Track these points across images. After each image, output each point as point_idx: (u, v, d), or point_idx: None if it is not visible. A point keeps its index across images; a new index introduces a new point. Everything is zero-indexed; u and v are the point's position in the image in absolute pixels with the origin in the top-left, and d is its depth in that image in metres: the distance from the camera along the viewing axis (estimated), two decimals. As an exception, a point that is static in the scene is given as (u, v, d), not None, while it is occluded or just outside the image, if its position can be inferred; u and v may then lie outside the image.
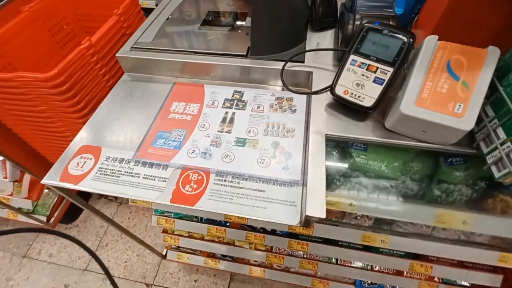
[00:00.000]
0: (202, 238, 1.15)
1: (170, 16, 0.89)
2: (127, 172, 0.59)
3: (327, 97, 0.64)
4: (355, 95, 0.54)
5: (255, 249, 1.11)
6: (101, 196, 1.61)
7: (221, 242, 1.13)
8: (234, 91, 0.74)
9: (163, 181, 0.58)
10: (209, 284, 1.33)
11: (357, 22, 0.61)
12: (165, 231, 1.18)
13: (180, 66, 0.76)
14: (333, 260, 1.05)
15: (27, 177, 1.27)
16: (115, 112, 0.72)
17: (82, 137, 0.67)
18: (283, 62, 0.71)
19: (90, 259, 1.42)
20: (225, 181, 0.57)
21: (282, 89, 0.75)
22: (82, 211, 1.59)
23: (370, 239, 0.76)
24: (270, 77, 0.73)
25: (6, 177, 1.16)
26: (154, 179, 0.58)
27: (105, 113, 0.72)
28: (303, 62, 0.71)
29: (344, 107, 0.59)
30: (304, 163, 0.58)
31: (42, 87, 0.78)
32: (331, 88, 0.58)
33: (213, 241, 1.14)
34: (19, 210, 1.28)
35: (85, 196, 1.61)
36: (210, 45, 0.78)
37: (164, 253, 1.26)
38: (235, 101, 0.72)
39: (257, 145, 0.62)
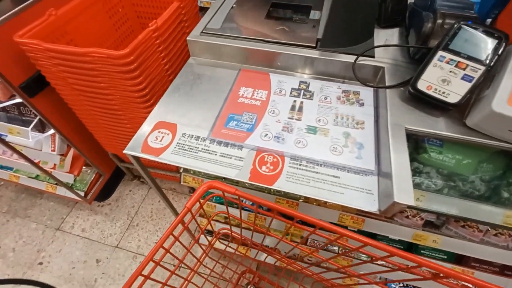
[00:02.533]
0: (238, 225, 1.17)
1: (234, 5, 0.92)
2: (204, 149, 0.62)
3: (397, 92, 0.65)
4: (440, 91, 0.55)
5: (291, 240, 1.13)
6: (134, 177, 1.65)
7: (257, 230, 1.15)
8: (300, 81, 0.76)
9: (239, 160, 0.60)
10: (237, 271, 1.34)
11: (439, 21, 0.62)
12: (201, 215, 1.21)
13: (248, 53, 0.78)
14: (366, 258, 1.06)
15: (70, 153, 1.32)
16: (185, 92, 0.74)
17: (157, 113, 0.70)
18: (352, 56, 0.73)
19: (121, 236, 1.46)
20: (300, 165, 0.59)
21: (343, 82, 0.76)
22: (115, 190, 1.64)
23: (421, 238, 0.77)
24: (338, 69, 0.75)
25: (54, 150, 1.20)
26: (231, 158, 0.60)
27: (177, 92, 0.75)
28: (373, 57, 0.72)
29: (421, 102, 0.60)
30: (377, 154, 0.59)
31: (113, 64, 0.81)
32: (412, 83, 0.59)
33: (248, 229, 1.16)
34: (60, 182, 1.32)
35: (118, 176, 1.65)
36: (277, 35, 0.80)
37: (196, 237, 1.29)
38: (302, 90, 0.74)
39: (328, 134, 0.64)
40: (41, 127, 1.14)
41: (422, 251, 0.94)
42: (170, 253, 0.53)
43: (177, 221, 0.50)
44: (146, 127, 0.66)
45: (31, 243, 1.46)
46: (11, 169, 1.49)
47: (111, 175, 1.57)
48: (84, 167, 1.46)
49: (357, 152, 0.60)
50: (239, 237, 0.86)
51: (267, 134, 0.64)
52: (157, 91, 0.98)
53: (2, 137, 1.16)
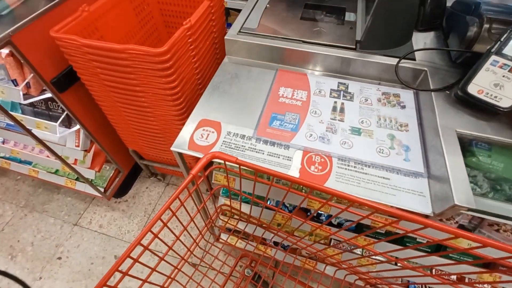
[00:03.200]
0: (260, 225, 1.17)
1: (268, 5, 0.92)
2: (251, 148, 0.62)
3: (442, 95, 0.65)
4: (491, 95, 0.55)
5: (314, 241, 1.13)
6: (151, 174, 1.65)
7: (279, 230, 1.15)
8: (339, 82, 0.76)
9: (287, 160, 0.60)
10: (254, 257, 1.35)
11: (486, 25, 0.62)
12: (223, 213, 1.21)
13: (286, 53, 0.78)
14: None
15: (92, 149, 1.32)
16: (225, 90, 0.74)
17: (200, 111, 0.70)
18: (391, 58, 0.73)
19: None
20: (348, 165, 0.59)
21: (379, 84, 0.76)
22: (131, 187, 1.64)
23: (456, 241, 0.77)
24: (375, 71, 0.75)
25: (78, 146, 1.20)
26: (279, 157, 0.60)
27: (217, 90, 0.75)
28: (414, 60, 0.72)
29: (469, 106, 0.60)
30: (425, 157, 0.60)
31: (149, 61, 0.81)
32: (461, 87, 0.59)
33: (269, 228, 1.17)
34: (82, 177, 1.32)
35: (136, 173, 1.66)
36: (315, 36, 0.80)
37: (218, 235, 1.29)
38: (342, 92, 0.74)
39: (373, 136, 0.64)
40: (67, 123, 1.14)
41: (450, 255, 0.94)
42: (168, 228, 0.56)
43: (182, 187, 0.52)
44: (190, 125, 0.67)
45: (49, 237, 1.46)
46: (30, 163, 1.49)
47: (129, 172, 1.58)
48: (106, 163, 1.47)
49: (404, 154, 0.61)
50: (240, 215, 0.88)
51: (312, 135, 0.64)
52: (186, 90, 0.98)
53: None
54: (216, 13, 1.04)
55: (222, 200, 1.14)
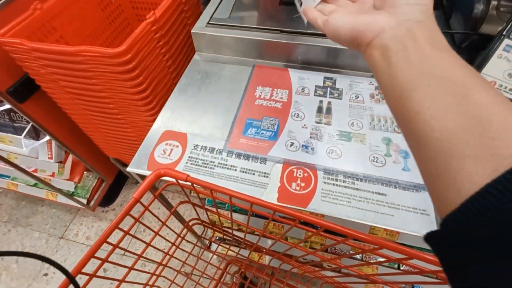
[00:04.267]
0: (252, 233, 1.09)
1: (242, -10, 0.80)
2: (221, 164, 0.52)
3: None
4: (505, 87, 0.45)
5: (310, 247, 1.05)
6: (138, 181, 1.57)
7: (272, 237, 1.08)
8: (325, 77, 0.66)
9: (264, 176, 0.51)
10: (249, 276, 1.28)
11: (494, 2, 0.51)
12: (212, 223, 1.13)
13: (262, 46, 0.68)
14: (395, 265, 0.98)
15: (69, 159, 1.23)
16: (194, 94, 0.64)
17: (163, 121, 0.60)
18: (386, 46, 0.62)
19: (128, 243, 1.39)
20: (336, 180, 0.50)
21: (372, 76, 0.65)
22: (119, 194, 1.56)
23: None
24: (368, 62, 0.64)
25: (51, 157, 1.12)
26: (254, 174, 0.51)
27: (184, 94, 0.65)
28: (412, 46, 0.61)
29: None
30: (427, 165, 0.50)
31: (108, 63, 0.71)
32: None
33: (264, 235, 1.09)
34: (59, 191, 1.24)
35: (122, 180, 1.57)
36: (295, 24, 0.69)
37: (208, 244, 1.22)
38: (328, 88, 0.64)
39: (365, 141, 0.54)
40: (35, 134, 1.05)
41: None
42: (120, 248, 0.48)
43: (123, 213, 0.45)
44: (151, 138, 0.57)
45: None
46: (8, 177, 1.41)
47: (114, 179, 1.49)
48: (85, 172, 1.38)
49: (402, 162, 0.51)
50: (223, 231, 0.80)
51: (293, 143, 0.55)
52: (159, 91, 0.88)
53: (-6, 145, 1.07)
54: (189, 3, 0.93)
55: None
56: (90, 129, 1.07)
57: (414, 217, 0.45)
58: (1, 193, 1.61)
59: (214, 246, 1.22)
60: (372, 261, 0.94)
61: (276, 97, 0.62)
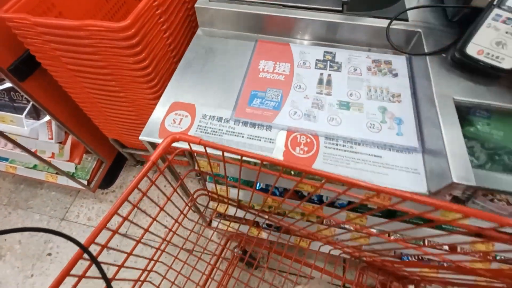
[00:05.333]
0: (252, 208, 1.14)
1: (243, -34, 0.81)
2: (229, 132, 0.56)
3: (437, 59, 0.59)
4: (493, 55, 0.49)
5: (307, 220, 1.11)
6: (136, 162, 1.59)
7: (271, 212, 1.13)
8: (325, 51, 0.69)
9: (270, 142, 0.54)
10: (249, 250, 1.34)
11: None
12: (213, 199, 1.17)
13: (264, 21, 0.70)
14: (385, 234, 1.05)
15: (69, 140, 1.24)
16: (199, 68, 0.67)
17: (171, 93, 0.63)
18: (382, 20, 0.65)
19: (129, 224, 1.42)
20: (336, 144, 0.54)
21: (369, 50, 0.69)
22: (118, 176, 1.58)
23: (449, 214, 0.75)
24: (365, 36, 0.68)
25: (51, 138, 1.12)
26: (260, 140, 0.55)
27: (189, 68, 0.67)
28: (407, 20, 0.65)
29: (467, 69, 0.54)
30: (419, 130, 0.54)
31: (112, 38, 0.72)
32: (459, 48, 0.52)
33: (262, 211, 1.14)
34: (61, 172, 1.25)
35: (121, 162, 1.59)
36: (297, -1, 0.71)
37: (208, 221, 1.26)
38: (328, 62, 0.67)
39: (363, 109, 0.58)
40: (35, 114, 1.05)
41: (443, 227, 0.93)
42: (128, 220, 0.51)
43: (141, 174, 0.47)
44: (160, 109, 0.59)
45: (36, 234, 1.42)
46: (6, 159, 1.41)
47: (113, 161, 1.51)
48: (84, 154, 1.39)
49: (396, 128, 0.55)
50: (228, 201, 0.84)
51: (296, 112, 0.58)
52: (160, 69, 0.89)
53: (-7, 126, 1.07)
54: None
55: (211, 186, 1.09)
56: (91, 108, 1.08)
57: (406, 176, 0.49)
58: (-1, 177, 1.61)
59: (214, 224, 1.27)
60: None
61: (278, 70, 0.65)
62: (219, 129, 0.56)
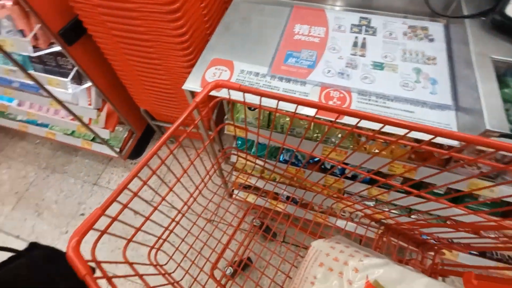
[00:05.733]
0: (273, 180, 1.18)
1: None
2: (266, 85, 0.59)
3: (476, 22, 0.59)
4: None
5: (327, 195, 1.13)
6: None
7: (293, 185, 1.16)
8: (360, 17, 0.70)
9: (304, 95, 0.57)
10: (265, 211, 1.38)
11: None
12: (237, 170, 1.22)
13: (301, -13, 0.72)
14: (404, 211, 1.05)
15: (105, 108, 1.32)
16: (237, 30, 0.70)
17: (211, 50, 0.67)
18: (421, -13, 0.65)
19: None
20: (369, 100, 0.56)
21: (405, 17, 0.69)
22: (145, 148, 1.67)
23: (478, 187, 0.74)
24: (404, 2, 0.68)
25: (90, 104, 1.21)
26: (295, 93, 0.57)
27: (228, 29, 0.71)
28: (445, -14, 0.65)
29: (507, 31, 0.54)
30: (454, 89, 0.55)
31: (155, 2, 0.77)
32: (499, 9, 0.52)
33: (283, 183, 1.17)
34: (97, 136, 1.35)
35: (149, 135, 1.68)
36: (334, -34, 0.72)
37: (231, 191, 1.31)
38: (363, 27, 0.68)
39: (397, 70, 0.60)
40: (78, 80, 1.13)
41: (468, 205, 0.92)
42: (166, 165, 0.55)
43: (187, 113, 0.49)
44: (201, 63, 0.64)
45: (71, 196, 1.54)
46: (47, 126, 1.52)
47: (142, 133, 1.59)
48: (117, 126, 1.48)
49: (431, 87, 0.56)
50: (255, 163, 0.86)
51: (330, 71, 0.60)
52: (195, 38, 0.93)
53: (39, 91, 1.17)
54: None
55: (234, 158, 1.13)
56: (128, 76, 1.15)
57: (439, 129, 0.51)
58: (39, 144, 1.74)
59: (236, 192, 1.31)
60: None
61: (313, 33, 0.68)
62: (256, 83, 0.59)
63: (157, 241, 0.71)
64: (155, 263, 0.67)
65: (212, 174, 0.84)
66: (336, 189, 1.13)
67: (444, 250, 0.74)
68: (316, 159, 1.03)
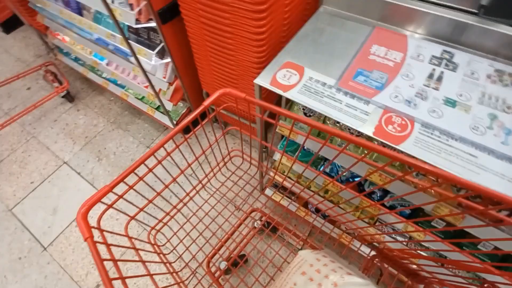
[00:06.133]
0: (308, 187, 1.20)
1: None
2: (330, 96, 0.62)
3: None
4: None
5: (357, 217, 1.11)
6: (215, 120, 1.79)
7: (325, 197, 1.16)
8: (443, 50, 0.68)
9: (365, 114, 0.59)
10: (288, 232, 1.40)
11: None
12: (275, 168, 1.27)
13: (388, 8, 0.73)
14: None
15: (174, 84, 1.47)
16: (314, 39, 0.74)
17: (285, 53, 0.72)
18: (521, 31, 0.61)
19: (195, 168, 1.63)
20: (432, 134, 0.55)
21: (494, 59, 0.65)
22: (195, 126, 1.80)
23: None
24: (494, 43, 0.65)
25: (165, 77, 1.36)
26: (356, 110, 0.59)
27: (306, 37, 0.75)
28: (552, 35, 0.60)
29: None
30: (531, 146, 0.52)
31: (245, 0, 0.84)
32: None
33: (316, 193, 1.18)
34: (162, 105, 1.51)
35: (202, 116, 1.81)
36: (428, -6, 0.71)
37: (263, 188, 1.36)
38: (444, 60, 0.66)
39: (470, 111, 0.58)
40: (161, 55, 1.28)
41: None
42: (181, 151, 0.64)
43: (195, 114, 0.58)
44: (275, 64, 0.69)
45: (127, 151, 1.74)
46: (123, 87, 1.74)
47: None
48: (179, 102, 1.63)
49: (503, 136, 0.54)
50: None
51: (397, 96, 0.61)
52: (271, 38, 1.00)
53: (127, 57, 1.35)
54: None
55: (277, 156, 1.18)
56: (202, 60, 1.27)
57: (500, 181, 0.48)
58: (112, 101, 2.00)
59: (268, 193, 1.35)
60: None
61: (389, 56, 0.68)
62: (321, 92, 0.63)
63: (157, 223, 0.81)
64: (153, 242, 0.76)
65: (221, 166, 0.91)
66: (368, 214, 1.10)
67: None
68: (357, 179, 1.02)
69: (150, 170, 0.59)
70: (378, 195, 1.01)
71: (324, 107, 0.60)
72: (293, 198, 1.33)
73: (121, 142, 1.79)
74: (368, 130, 0.56)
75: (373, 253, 0.84)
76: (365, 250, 0.84)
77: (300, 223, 1.37)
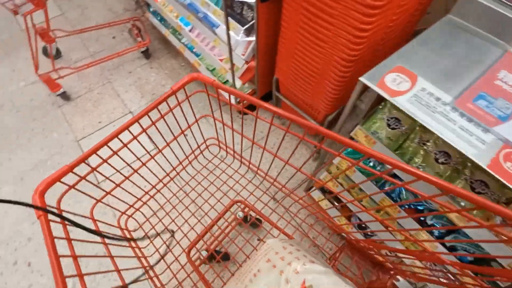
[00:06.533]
0: (359, 200, 1.15)
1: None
2: (443, 113, 0.57)
3: None
4: None
5: (405, 247, 1.04)
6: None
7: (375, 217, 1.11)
8: None
9: (481, 142, 0.53)
10: (321, 239, 1.37)
11: None
12: (328, 172, 1.23)
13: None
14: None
15: (249, 64, 1.49)
16: (434, 48, 0.68)
17: (398, 57, 0.67)
18: None
19: (244, 149, 1.65)
20: (561, 185, 0.48)
21: None
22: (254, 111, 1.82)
23: None
24: None
25: (244, 55, 1.38)
26: (471, 136, 0.54)
27: (424, 45, 0.69)
28: None
29: None
30: None
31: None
32: None
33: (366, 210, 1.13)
34: (230, 82, 1.54)
35: (264, 100, 1.81)
36: None
37: (309, 188, 1.34)
38: None
39: None
40: (247, 32, 1.29)
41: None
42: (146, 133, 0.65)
43: (158, 101, 0.58)
44: (385, 66, 0.65)
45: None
46: (198, 55, 1.81)
47: (261, 97, 1.74)
48: (247, 82, 1.65)
49: None
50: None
51: (524, 132, 0.54)
52: (370, 40, 0.94)
53: (213, 28, 1.39)
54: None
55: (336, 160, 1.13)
56: (286, 44, 1.24)
57: None
58: (183, 66, 2.09)
59: (314, 195, 1.32)
60: None
61: (520, 87, 0.60)
62: (434, 107, 0.58)
63: (128, 209, 0.78)
64: (123, 227, 0.73)
65: (197, 154, 0.94)
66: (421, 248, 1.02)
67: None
68: (420, 207, 0.95)
69: (115, 153, 0.59)
70: (440, 231, 0.93)
71: (434, 124, 0.55)
72: (337, 207, 1.29)
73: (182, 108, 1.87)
74: (482, 161, 0.51)
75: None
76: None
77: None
